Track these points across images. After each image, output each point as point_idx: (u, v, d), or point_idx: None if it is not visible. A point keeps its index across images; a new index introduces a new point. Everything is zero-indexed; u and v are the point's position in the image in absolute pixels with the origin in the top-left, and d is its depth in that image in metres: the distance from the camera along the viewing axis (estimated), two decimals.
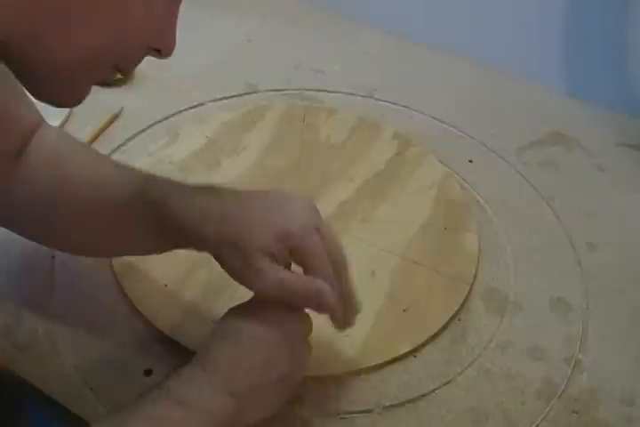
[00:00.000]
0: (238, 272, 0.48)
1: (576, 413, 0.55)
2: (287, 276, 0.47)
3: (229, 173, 0.72)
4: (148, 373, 0.55)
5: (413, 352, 0.58)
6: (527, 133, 0.82)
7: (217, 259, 0.49)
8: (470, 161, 0.78)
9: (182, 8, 0.41)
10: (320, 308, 0.49)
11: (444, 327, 0.60)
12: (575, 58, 0.87)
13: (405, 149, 0.76)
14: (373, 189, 0.72)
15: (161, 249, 0.53)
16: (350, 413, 0.53)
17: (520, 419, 0.54)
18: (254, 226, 0.47)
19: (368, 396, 0.55)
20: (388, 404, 0.54)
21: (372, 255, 0.65)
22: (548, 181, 0.76)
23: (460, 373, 0.57)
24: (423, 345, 0.58)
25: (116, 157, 0.74)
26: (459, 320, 0.61)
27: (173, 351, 0.56)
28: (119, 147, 0.75)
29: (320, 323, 0.58)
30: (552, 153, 0.80)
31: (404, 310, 0.60)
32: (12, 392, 0.63)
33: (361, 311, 0.59)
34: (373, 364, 0.56)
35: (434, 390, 0.55)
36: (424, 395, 0.55)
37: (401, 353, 0.57)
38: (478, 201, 0.73)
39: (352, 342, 0.57)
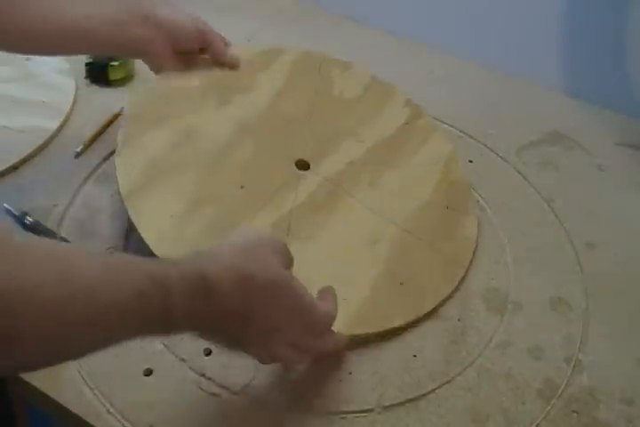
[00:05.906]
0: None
1: (576, 412, 0.55)
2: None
3: (239, 113, 0.70)
4: (148, 373, 0.55)
5: (406, 327, 0.59)
6: (527, 133, 0.82)
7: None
8: (470, 161, 0.78)
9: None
10: None
11: (435, 311, 0.60)
12: (575, 58, 0.87)
13: (416, 119, 0.76)
14: (381, 155, 0.71)
15: None
16: (351, 412, 0.53)
17: (520, 419, 0.54)
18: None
19: (368, 395, 0.55)
20: (388, 403, 0.54)
21: (374, 223, 0.64)
22: (548, 181, 0.76)
23: (460, 372, 0.57)
24: (415, 322, 0.59)
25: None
26: (459, 320, 0.61)
27: (173, 352, 0.56)
28: None
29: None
30: (552, 153, 0.80)
31: (401, 284, 0.60)
32: (11, 392, 0.63)
33: (358, 279, 0.59)
34: (366, 332, 0.57)
35: (434, 390, 0.55)
36: (424, 395, 0.55)
37: (394, 326, 0.58)
38: (478, 201, 0.73)
39: (347, 307, 0.57)
